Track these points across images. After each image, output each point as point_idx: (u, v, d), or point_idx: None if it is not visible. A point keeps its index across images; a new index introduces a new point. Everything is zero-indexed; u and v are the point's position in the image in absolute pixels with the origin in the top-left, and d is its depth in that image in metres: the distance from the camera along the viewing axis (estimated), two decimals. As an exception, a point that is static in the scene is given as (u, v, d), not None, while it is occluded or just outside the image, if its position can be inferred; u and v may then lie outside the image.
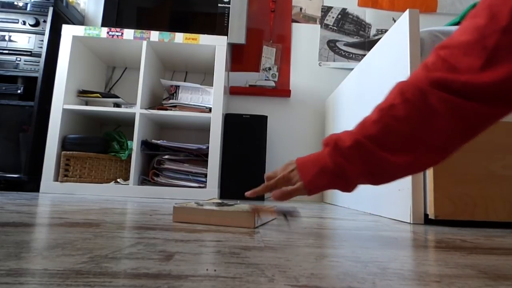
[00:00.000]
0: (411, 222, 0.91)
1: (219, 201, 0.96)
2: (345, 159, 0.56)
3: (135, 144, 1.57)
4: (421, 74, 0.51)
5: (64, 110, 1.58)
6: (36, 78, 1.61)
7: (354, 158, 0.55)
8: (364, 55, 2.17)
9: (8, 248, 0.39)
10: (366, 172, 0.55)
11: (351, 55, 2.19)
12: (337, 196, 1.68)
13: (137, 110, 1.60)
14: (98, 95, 1.70)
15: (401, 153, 0.53)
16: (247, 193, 0.69)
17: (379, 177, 0.56)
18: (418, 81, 0.51)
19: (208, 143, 1.59)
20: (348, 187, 0.59)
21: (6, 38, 1.65)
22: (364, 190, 1.28)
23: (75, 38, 1.65)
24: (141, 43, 1.67)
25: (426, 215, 0.92)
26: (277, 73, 2.15)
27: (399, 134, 0.52)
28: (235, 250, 0.45)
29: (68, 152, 1.55)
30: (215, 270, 0.34)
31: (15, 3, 1.68)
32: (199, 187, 1.58)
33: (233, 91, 2.10)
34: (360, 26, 2.23)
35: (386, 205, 1.09)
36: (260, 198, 1.76)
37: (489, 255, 0.50)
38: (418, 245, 0.59)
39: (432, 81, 0.49)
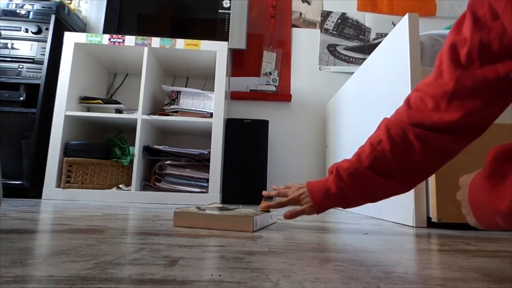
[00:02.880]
0: (414, 226, 0.91)
1: (220, 205, 0.96)
2: (345, 184, 0.69)
3: (136, 150, 1.58)
4: (403, 112, 0.64)
5: (66, 117, 1.58)
6: (38, 85, 1.62)
7: (352, 182, 0.69)
8: (364, 59, 2.17)
9: (13, 255, 0.39)
10: (363, 193, 0.70)
11: (351, 59, 2.20)
12: (339, 200, 1.67)
13: (139, 116, 1.61)
14: (99, 101, 1.71)
15: (390, 177, 0.66)
16: (264, 193, 0.86)
17: (373, 196, 0.71)
18: (400, 119, 0.64)
19: (210, 148, 1.60)
20: (347, 205, 0.74)
21: (9, 45, 1.66)
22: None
23: (77, 45, 1.66)
24: (142, 49, 1.68)
25: (429, 218, 0.92)
26: (277, 78, 2.16)
27: (387, 163, 0.65)
28: (239, 255, 0.45)
29: (70, 159, 1.56)
30: (219, 275, 0.34)
31: (18, 11, 1.69)
32: (201, 192, 1.58)
33: (234, 96, 2.11)
34: (359, 30, 2.24)
35: (388, 208, 1.08)
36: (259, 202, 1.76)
37: (493, 257, 0.50)
38: (422, 248, 0.59)
39: (410, 120, 0.62)
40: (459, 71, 0.54)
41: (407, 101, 0.64)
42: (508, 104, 0.56)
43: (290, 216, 0.80)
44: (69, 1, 1.98)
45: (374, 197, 0.72)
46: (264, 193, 0.87)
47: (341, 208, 0.75)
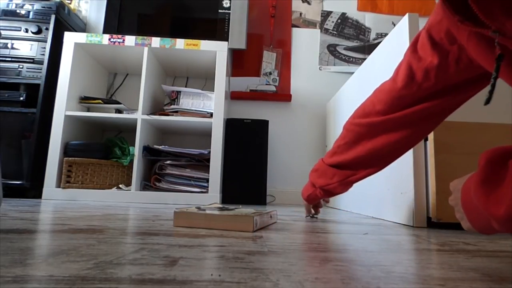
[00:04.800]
0: (414, 226, 0.91)
1: (220, 205, 0.96)
2: (313, 178, 0.93)
3: (136, 150, 1.58)
4: (353, 114, 0.80)
5: (66, 117, 1.58)
6: (38, 85, 1.62)
7: (318, 174, 0.91)
8: (364, 59, 2.17)
9: (13, 255, 0.39)
10: (327, 183, 0.88)
11: (351, 59, 2.20)
12: (340, 200, 1.67)
13: (139, 116, 1.61)
14: (100, 101, 1.71)
15: (344, 168, 0.84)
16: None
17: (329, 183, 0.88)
18: (348, 121, 0.82)
19: (210, 148, 1.60)
20: (323, 194, 0.92)
21: (9, 45, 1.66)
22: (366, 193, 1.28)
23: (77, 45, 1.66)
24: (142, 49, 1.68)
25: (429, 218, 0.92)
26: (277, 78, 2.16)
27: (341, 157, 0.83)
28: (239, 255, 0.45)
29: (70, 159, 1.56)
30: (219, 275, 0.34)
31: (18, 11, 1.69)
32: (201, 192, 1.58)
33: (234, 96, 2.11)
34: (359, 30, 2.24)
35: (388, 208, 1.08)
36: (262, 202, 1.76)
37: (493, 257, 0.50)
38: (422, 248, 0.59)
39: (351, 121, 0.80)
40: (415, 88, 0.61)
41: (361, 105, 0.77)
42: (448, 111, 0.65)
43: (306, 210, 1.07)
44: (69, 1, 1.98)
45: (331, 185, 0.88)
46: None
47: (322, 198, 0.97)
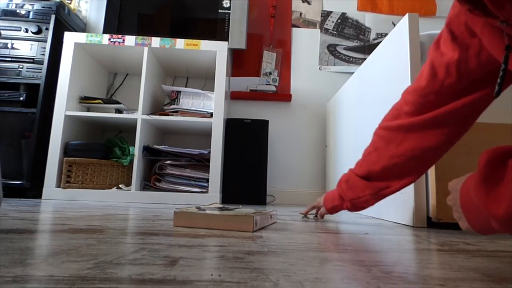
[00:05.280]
0: (414, 226, 0.91)
1: (220, 205, 0.96)
2: (342, 190, 0.86)
3: (136, 150, 1.58)
4: (383, 119, 0.77)
5: (66, 117, 1.58)
6: (38, 85, 1.62)
7: (348, 186, 0.84)
8: (364, 59, 2.17)
9: (13, 255, 0.39)
10: (358, 196, 0.82)
11: (351, 59, 2.20)
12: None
13: (139, 116, 1.61)
14: (100, 101, 1.71)
15: (377, 181, 0.79)
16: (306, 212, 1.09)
17: (360, 197, 0.82)
18: (378, 126, 0.78)
19: (210, 148, 1.60)
20: (353, 207, 0.85)
21: (9, 45, 1.66)
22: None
23: (77, 45, 1.66)
24: (142, 49, 1.68)
25: (428, 218, 0.92)
26: (277, 78, 2.16)
27: (373, 168, 0.78)
28: (239, 255, 0.45)
29: (70, 158, 1.56)
30: (219, 275, 0.34)
31: (18, 11, 1.69)
32: (201, 192, 1.58)
33: (234, 96, 2.11)
34: (359, 30, 2.24)
35: (388, 208, 1.08)
36: (262, 202, 1.76)
37: (493, 257, 0.50)
38: (422, 248, 0.59)
39: (381, 125, 0.76)
40: (438, 85, 0.60)
41: (393, 107, 0.74)
42: (477, 109, 0.62)
43: (320, 216, 1.03)
44: (69, 1, 1.98)
45: (362, 199, 0.82)
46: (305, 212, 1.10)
47: (348, 211, 0.89)
